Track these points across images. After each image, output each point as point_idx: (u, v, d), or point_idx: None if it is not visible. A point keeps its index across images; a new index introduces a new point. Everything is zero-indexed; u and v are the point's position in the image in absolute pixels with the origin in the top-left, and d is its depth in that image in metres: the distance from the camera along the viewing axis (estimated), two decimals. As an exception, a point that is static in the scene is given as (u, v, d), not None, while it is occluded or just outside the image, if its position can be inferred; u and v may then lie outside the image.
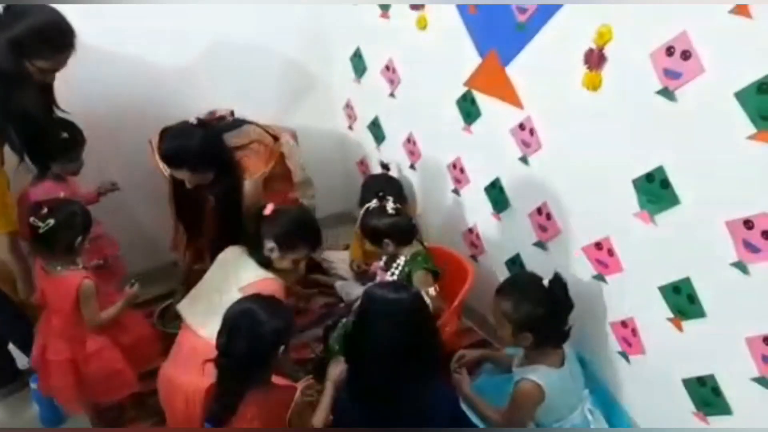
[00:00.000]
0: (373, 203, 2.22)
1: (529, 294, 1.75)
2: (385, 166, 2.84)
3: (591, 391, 1.87)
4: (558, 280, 1.75)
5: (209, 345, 1.61)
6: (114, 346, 1.97)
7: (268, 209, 2.05)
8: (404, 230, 2.19)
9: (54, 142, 2.07)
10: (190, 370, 1.75)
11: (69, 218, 1.87)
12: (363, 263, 2.72)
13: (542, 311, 1.72)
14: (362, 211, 2.25)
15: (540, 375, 1.75)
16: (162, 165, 2.19)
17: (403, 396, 1.54)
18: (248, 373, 1.52)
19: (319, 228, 2.14)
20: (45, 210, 1.85)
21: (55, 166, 2.16)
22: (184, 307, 2.01)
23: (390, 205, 2.18)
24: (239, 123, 2.35)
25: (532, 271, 1.87)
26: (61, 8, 1.85)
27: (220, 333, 1.55)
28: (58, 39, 1.85)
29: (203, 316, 1.89)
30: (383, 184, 2.60)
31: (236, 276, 1.96)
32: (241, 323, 1.53)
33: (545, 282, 1.75)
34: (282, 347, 1.54)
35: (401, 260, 2.22)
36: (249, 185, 2.24)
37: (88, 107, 2.20)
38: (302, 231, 2.06)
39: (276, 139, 2.41)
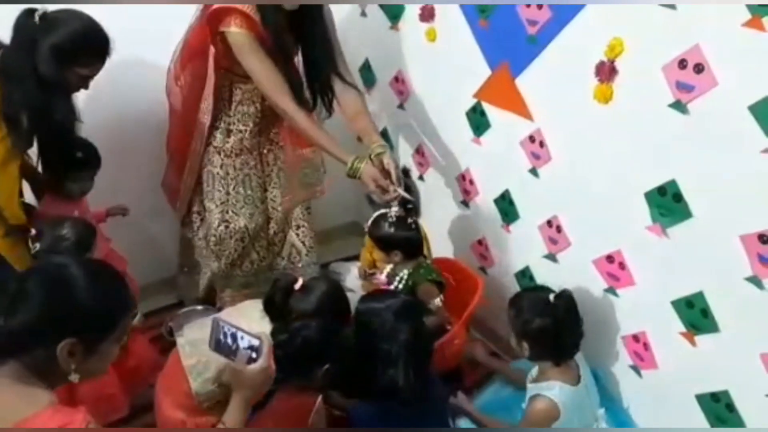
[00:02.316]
0: (393, 210, 2.11)
1: (530, 305, 1.77)
2: (405, 172, 2.78)
3: (606, 410, 1.85)
4: (563, 295, 1.75)
5: (182, 376, 1.67)
6: (111, 370, 1.89)
7: (297, 284, 1.79)
8: (416, 245, 2.17)
9: (72, 158, 2.06)
10: (166, 397, 1.76)
11: (55, 243, 1.82)
12: (369, 272, 2.69)
13: (540, 323, 1.73)
14: (378, 214, 2.15)
15: (556, 392, 1.73)
16: None
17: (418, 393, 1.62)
18: (294, 371, 1.56)
19: (348, 301, 1.88)
20: (34, 232, 1.82)
21: (67, 184, 2.14)
22: (189, 328, 1.90)
23: (410, 219, 2.13)
24: None
25: (546, 285, 1.85)
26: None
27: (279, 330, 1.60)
28: (98, 44, 1.85)
29: (192, 348, 1.78)
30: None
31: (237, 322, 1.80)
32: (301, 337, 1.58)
33: (551, 297, 1.75)
34: (326, 366, 1.59)
35: (404, 273, 2.20)
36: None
37: (91, 115, 2.17)
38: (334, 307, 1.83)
39: None
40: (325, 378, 1.64)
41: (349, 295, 2.66)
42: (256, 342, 1.33)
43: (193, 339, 1.80)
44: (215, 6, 1.90)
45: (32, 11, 1.75)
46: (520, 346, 1.80)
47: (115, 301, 1.18)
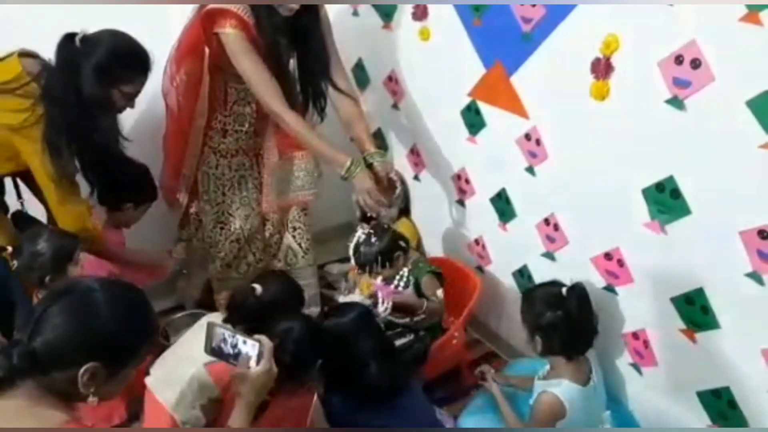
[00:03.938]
0: (357, 235, 2.18)
1: (543, 299, 1.76)
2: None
3: (612, 413, 1.83)
4: (575, 288, 1.74)
5: (163, 411, 1.69)
6: None
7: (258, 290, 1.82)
8: (393, 251, 2.16)
9: (127, 181, 2.10)
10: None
11: (31, 259, 1.80)
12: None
13: (552, 315, 1.71)
14: (352, 248, 2.20)
15: (562, 390, 1.72)
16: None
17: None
18: (288, 375, 1.58)
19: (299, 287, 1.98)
20: (10, 250, 1.80)
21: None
22: (153, 368, 1.86)
23: (369, 233, 2.15)
24: None
25: (557, 281, 1.83)
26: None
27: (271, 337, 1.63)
28: (138, 60, 1.88)
29: (163, 383, 1.79)
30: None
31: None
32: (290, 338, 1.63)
33: (563, 290, 1.74)
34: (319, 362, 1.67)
35: (404, 271, 2.20)
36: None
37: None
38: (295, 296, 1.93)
39: None
40: (320, 375, 1.70)
41: (344, 298, 2.69)
42: (256, 345, 1.32)
43: (161, 376, 1.80)
44: (210, 6, 1.89)
45: (73, 35, 1.78)
46: (533, 341, 1.77)
47: (140, 327, 1.17)
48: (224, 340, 1.35)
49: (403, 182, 2.57)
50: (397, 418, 1.69)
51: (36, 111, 1.79)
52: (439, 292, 2.18)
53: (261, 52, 1.93)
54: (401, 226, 2.61)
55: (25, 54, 1.86)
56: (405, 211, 2.71)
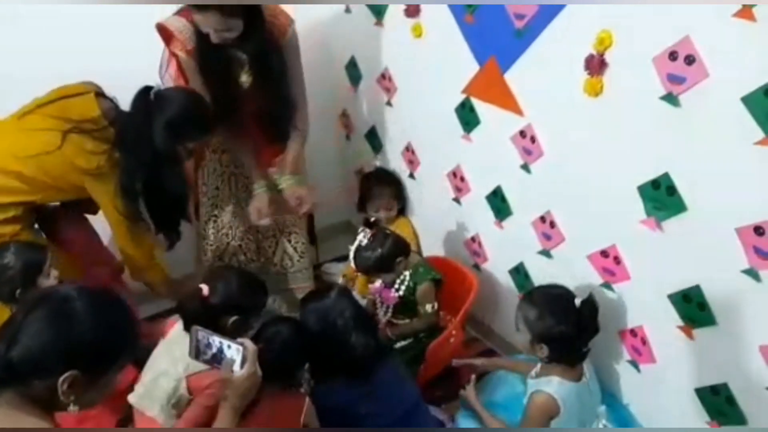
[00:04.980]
0: (359, 239, 2.20)
1: (556, 309, 1.70)
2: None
3: (607, 407, 1.83)
4: (590, 303, 1.72)
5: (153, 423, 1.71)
6: None
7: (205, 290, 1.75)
8: (395, 256, 2.16)
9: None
10: None
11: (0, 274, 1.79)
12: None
13: (565, 329, 1.68)
14: (353, 253, 2.21)
15: (556, 388, 1.71)
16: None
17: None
18: (276, 376, 1.61)
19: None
20: None
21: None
22: (136, 386, 1.80)
23: (371, 238, 2.16)
24: None
25: (564, 286, 1.82)
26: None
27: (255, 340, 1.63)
28: (205, 121, 1.97)
29: (148, 400, 1.75)
30: (383, 172, 2.69)
31: (184, 361, 1.68)
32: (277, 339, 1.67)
33: (577, 301, 1.71)
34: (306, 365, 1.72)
35: (406, 274, 2.20)
36: (290, 31, 2.08)
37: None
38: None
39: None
40: (308, 375, 1.76)
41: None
42: (240, 349, 1.33)
43: (142, 393, 1.77)
44: (161, 23, 1.97)
45: (149, 89, 1.90)
46: (535, 348, 1.73)
47: (119, 334, 1.16)
48: (208, 344, 1.35)
49: (399, 182, 2.60)
50: (377, 394, 1.72)
51: (112, 157, 1.88)
52: (428, 307, 2.19)
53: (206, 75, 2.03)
54: (400, 226, 2.61)
55: (99, 93, 1.94)
56: (401, 210, 2.70)
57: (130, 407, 1.78)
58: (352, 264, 2.23)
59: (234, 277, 1.81)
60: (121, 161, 1.89)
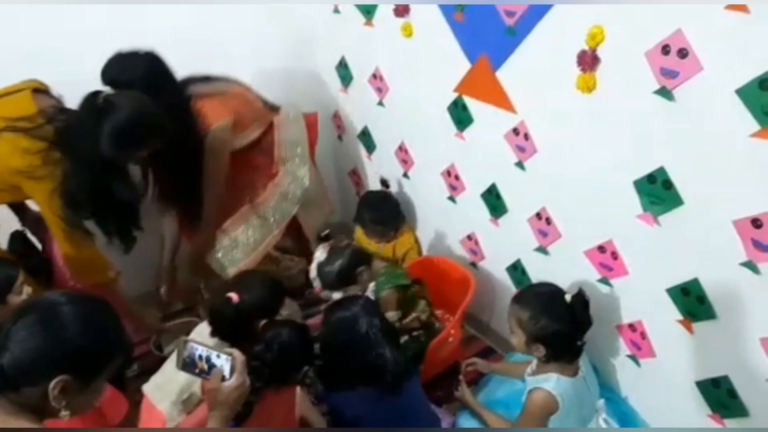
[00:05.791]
0: (316, 256, 2.22)
1: (549, 308, 1.70)
2: (384, 183, 2.80)
3: (606, 400, 1.83)
4: (580, 297, 1.71)
5: (161, 420, 1.74)
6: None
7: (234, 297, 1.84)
8: (355, 267, 2.18)
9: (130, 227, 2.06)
10: None
11: None
12: None
13: (560, 327, 1.68)
14: (314, 271, 2.23)
15: (554, 384, 1.71)
16: None
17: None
18: (275, 378, 1.65)
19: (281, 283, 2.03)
20: None
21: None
22: (150, 381, 1.92)
23: (323, 256, 2.18)
24: (222, 80, 2.22)
25: (553, 283, 1.82)
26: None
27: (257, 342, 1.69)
28: (156, 129, 1.87)
29: (160, 392, 1.84)
30: (379, 202, 2.61)
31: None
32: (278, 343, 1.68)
33: (567, 297, 1.71)
34: (306, 368, 1.73)
35: (372, 284, 2.22)
36: (209, 136, 2.07)
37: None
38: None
39: (272, 108, 2.35)
40: (306, 379, 1.78)
41: (337, 295, 2.67)
42: (228, 359, 1.32)
43: (159, 382, 1.84)
44: None
45: (98, 93, 1.78)
46: (532, 348, 1.72)
47: (108, 339, 1.17)
48: (197, 355, 1.34)
49: (392, 208, 2.62)
50: (403, 405, 1.72)
51: (50, 156, 1.77)
52: (392, 314, 2.16)
53: None
54: (404, 235, 2.60)
55: (37, 89, 1.85)
56: (395, 217, 2.66)
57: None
58: (316, 285, 2.23)
59: (257, 281, 1.90)
60: (64, 164, 1.79)
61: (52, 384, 1.06)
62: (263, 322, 1.79)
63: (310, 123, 2.53)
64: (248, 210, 2.30)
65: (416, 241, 2.67)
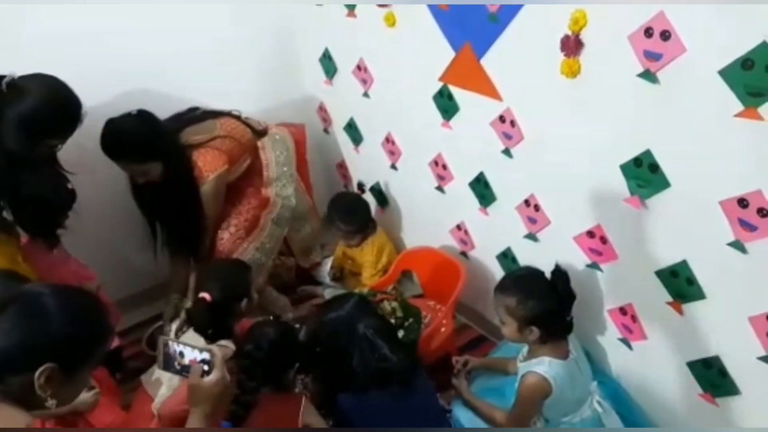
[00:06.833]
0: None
1: (533, 289, 1.71)
2: (360, 186, 2.86)
3: (599, 383, 1.84)
4: (560, 272, 1.72)
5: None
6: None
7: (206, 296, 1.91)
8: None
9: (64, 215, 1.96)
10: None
11: None
12: (338, 271, 2.81)
13: (548, 305, 1.69)
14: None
15: (546, 367, 1.71)
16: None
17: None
18: (266, 377, 1.70)
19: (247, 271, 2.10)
20: None
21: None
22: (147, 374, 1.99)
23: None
24: (207, 116, 2.29)
25: (530, 265, 1.83)
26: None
27: (245, 341, 1.76)
28: (69, 115, 1.74)
29: (154, 387, 1.90)
30: (349, 204, 2.65)
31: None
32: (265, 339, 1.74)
33: (547, 275, 1.72)
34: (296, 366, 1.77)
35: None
36: (205, 186, 2.17)
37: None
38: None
39: (261, 133, 2.41)
40: (299, 377, 1.82)
41: (330, 290, 2.67)
42: (207, 355, 1.33)
43: (150, 377, 1.92)
44: None
45: (1, 78, 1.63)
46: (525, 332, 1.72)
47: (92, 328, 1.18)
48: (177, 353, 1.34)
49: (361, 212, 2.63)
50: (417, 405, 1.73)
51: None
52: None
53: None
54: (377, 239, 2.61)
55: None
56: (364, 220, 2.66)
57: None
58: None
59: (221, 271, 2.03)
60: None
61: (38, 372, 1.07)
62: (254, 322, 1.86)
63: (298, 137, 2.61)
64: (247, 245, 2.37)
65: (389, 240, 2.70)
